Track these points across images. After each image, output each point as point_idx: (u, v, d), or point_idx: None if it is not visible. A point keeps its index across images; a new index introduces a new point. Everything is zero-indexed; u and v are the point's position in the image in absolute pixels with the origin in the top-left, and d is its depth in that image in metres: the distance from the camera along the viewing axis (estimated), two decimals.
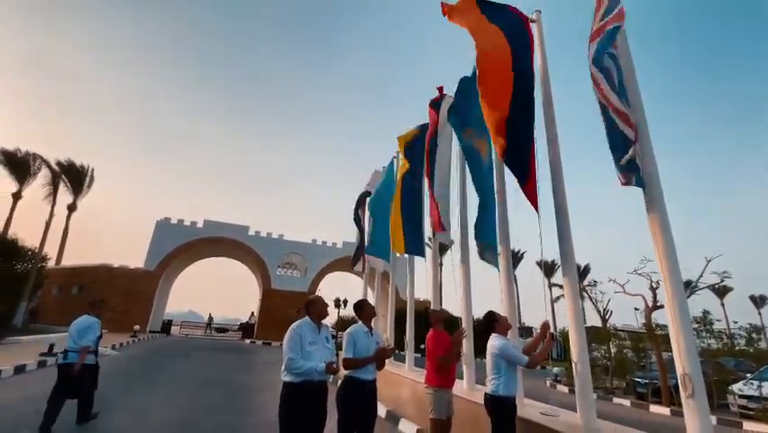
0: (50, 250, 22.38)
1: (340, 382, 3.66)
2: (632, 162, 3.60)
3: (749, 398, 10.47)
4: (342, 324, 25.70)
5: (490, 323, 3.95)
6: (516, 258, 50.78)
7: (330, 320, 26.21)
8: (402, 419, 6.42)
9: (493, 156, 6.01)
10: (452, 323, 6.13)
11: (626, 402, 12.78)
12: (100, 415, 5.64)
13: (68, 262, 32.16)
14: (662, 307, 12.67)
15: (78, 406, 5.35)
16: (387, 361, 4.92)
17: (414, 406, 6.55)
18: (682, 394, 3.11)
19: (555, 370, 17.37)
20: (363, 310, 3.85)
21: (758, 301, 62.46)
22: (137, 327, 22.34)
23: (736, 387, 11.17)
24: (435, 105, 7.80)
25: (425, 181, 7.75)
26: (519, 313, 47.62)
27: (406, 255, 9.81)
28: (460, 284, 6.60)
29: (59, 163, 25.20)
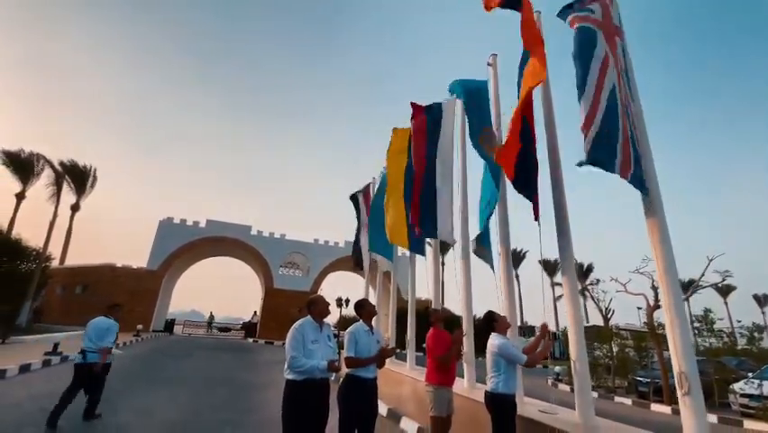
0: (54, 250, 22.47)
1: (341, 380, 3.71)
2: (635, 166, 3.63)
3: (750, 397, 10.48)
4: (344, 323, 25.78)
5: (490, 323, 3.99)
6: (518, 257, 50.79)
7: (332, 319, 26.29)
8: (403, 417, 6.47)
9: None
10: (453, 322, 6.17)
11: (628, 401, 12.80)
12: (105, 413, 5.72)
13: (71, 261, 32.38)
14: None
15: (89, 402, 5.51)
16: (388, 359, 4.96)
17: (415, 404, 6.60)
18: (678, 392, 3.15)
19: (557, 369, 17.39)
20: (364, 309, 3.90)
21: (762, 300, 62.29)
22: (140, 327, 22.48)
23: (737, 386, 11.18)
24: (428, 109, 7.89)
25: (431, 177, 7.76)
26: (522, 312, 47.69)
27: (408, 254, 9.86)
28: (460, 283, 6.65)
29: (62, 164, 25.33)
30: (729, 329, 15.74)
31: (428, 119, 7.92)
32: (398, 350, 9.15)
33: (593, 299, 18.10)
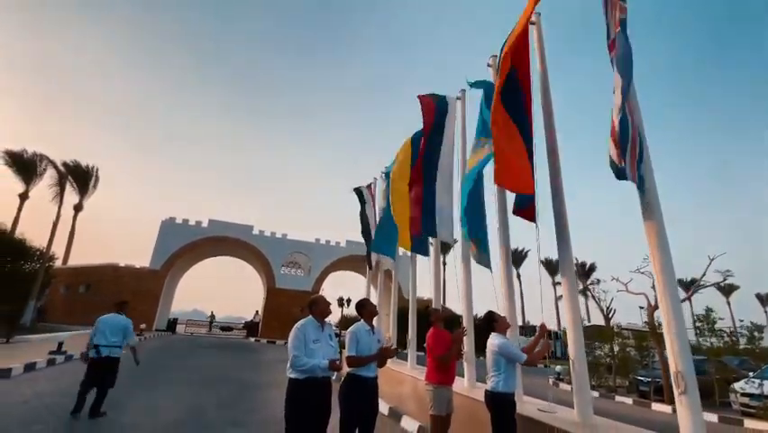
0: (57, 249, 22.58)
1: (342, 379, 3.76)
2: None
3: (751, 396, 10.50)
4: (346, 322, 25.86)
5: (490, 322, 4.03)
6: (520, 256, 50.79)
7: (333, 319, 26.36)
8: (404, 415, 6.53)
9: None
10: (454, 321, 6.23)
11: (629, 400, 12.84)
12: (110, 411, 5.79)
13: (74, 261, 32.55)
14: None
15: (97, 397, 5.64)
16: (389, 359, 5.01)
17: (415, 403, 6.66)
18: (675, 391, 3.19)
19: (558, 368, 17.43)
20: (365, 309, 3.95)
21: (765, 299, 62.11)
22: (143, 326, 22.62)
23: (737, 385, 11.20)
24: (440, 101, 7.86)
25: (432, 176, 7.76)
26: (523, 312, 47.72)
27: (409, 254, 9.91)
28: (461, 283, 6.70)
29: (65, 164, 25.48)
30: (731, 329, 15.73)
31: (436, 112, 7.88)
32: (400, 350, 9.20)
33: (594, 298, 18.12)
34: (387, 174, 11.38)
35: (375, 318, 4.04)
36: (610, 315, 17.33)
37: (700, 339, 14.09)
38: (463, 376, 6.02)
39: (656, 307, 13.28)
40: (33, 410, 5.77)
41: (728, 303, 54.91)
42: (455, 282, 6.78)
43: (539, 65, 5.47)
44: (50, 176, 24.41)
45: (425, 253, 8.60)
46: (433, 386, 4.49)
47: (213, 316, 34.44)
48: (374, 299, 9.66)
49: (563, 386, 15.13)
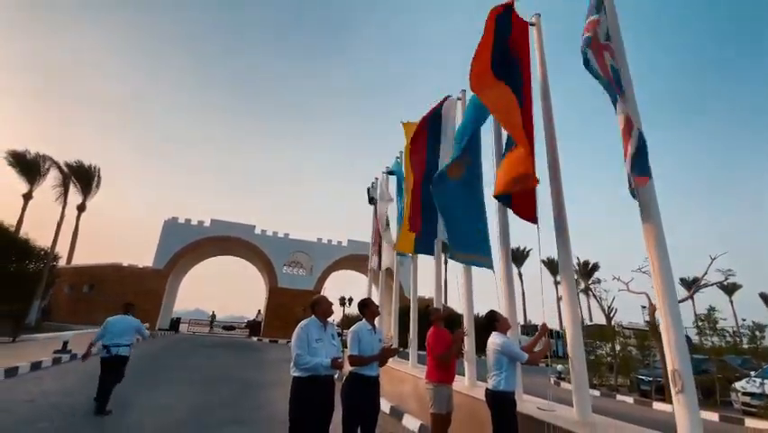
0: (61, 249, 22.72)
1: (344, 377, 3.83)
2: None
3: (752, 395, 10.53)
4: (347, 322, 25.95)
5: (491, 322, 4.07)
6: (521, 256, 50.72)
7: (335, 318, 26.45)
8: (405, 414, 6.59)
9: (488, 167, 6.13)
10: (455, 321, 6.28)
11: (630, 399, 12.87)
12: (116, 410, 5.90)
13: (78, 261, 32.72)
14: None
15: (107, 393, 5.88)
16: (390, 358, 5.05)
17: (417, 402, 6.71)
18: (672, 390, 3.24)
19: (559, 367, 17.45)
20: (368, 309, 4.00)
21: None
22: (147, 325, 22.68)
23: (739, 384, 11.23)
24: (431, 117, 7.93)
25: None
26: (525, 311, 47.73)
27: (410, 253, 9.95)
28: (462, 282, 6.75)
29: (68, 165, 25.62)
30: (734, 328, 15.71)
31: (429, 121, 8.00)
32: (401, 349, 9.25)
33: (596, 297, 18.14)
34: (391, 172, 11.41)
35: (377, 318, 4.10)
36: (612, 314, 17.35)
37: (703, 339, 14.11)
38: (464, 375, 6.07)
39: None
40: (39, 409, 5.86)
41: (731, 302, 54.75)
42: (456, 282, 6.83)
43: (539, 66, 5.49)
44: (53, 176, 24.58)
45: (432, 252, 8.51)
46: (433, 385, 4.54)
47: (214, 315, 34.54)
48: (375, 299, 9.71)
49: (564, 385, 15.16)
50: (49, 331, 16.98)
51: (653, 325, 13.61)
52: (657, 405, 11.56)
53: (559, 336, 29.94)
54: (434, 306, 7.08)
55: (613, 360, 15.96)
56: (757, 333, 12.84)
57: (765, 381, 10.39)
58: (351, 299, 28.30)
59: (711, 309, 13.67)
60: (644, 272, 13.29)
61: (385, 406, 7.05)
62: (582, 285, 40.15)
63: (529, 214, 4.93)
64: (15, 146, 25.58)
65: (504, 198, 5.14)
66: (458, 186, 5.94)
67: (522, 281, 49.52)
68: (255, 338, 28.84)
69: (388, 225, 11.37)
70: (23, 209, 26.05)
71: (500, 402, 3.77)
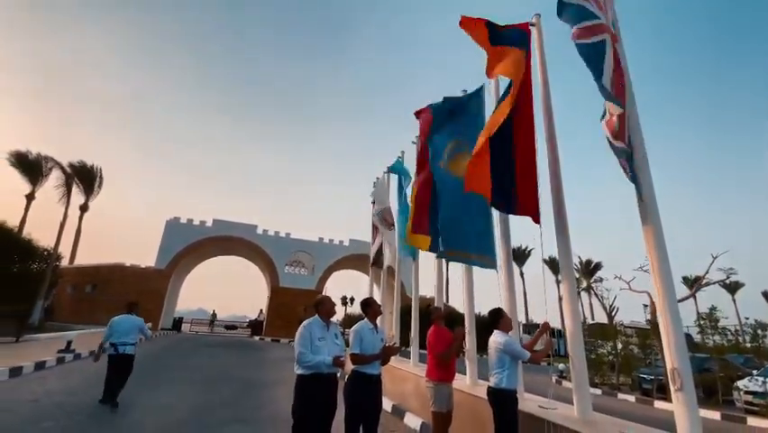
0: (63, 249, 22.79)
1: (347, 376, 3.86)
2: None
3: (754, 394, 10.52)
4: (349, 321, 26.00)
5: (496, 319, 4.10)
6: (523, 255, 50.65)
7: (337, 317, 26.50)
8: (407, 412, 6.62)
9: None
10: (456, 319, 6.29)
11: (631, 398, 12.88)
12: (121, 409, 5.97)
13: (80, 261, 32.86)
14: None
15: (117, 387, 6.19)
16: (392, 357, 5.07)
17: (418, 400, 6.74)
18: (672, 388, 3.26)
19: (561, 366, 17.45)
20: (370, 308, 4.05)
21: None
22: (149, 325, 22.77)
23: (741, 383, 11.22)
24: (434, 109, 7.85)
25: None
26: (526, 310, 47.72)
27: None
28: (463, 282, 6.77)
29: (71, 165, 25.68)
30: (736, 327, 15.70)
31: (433, 116, 7.84)
32: (403, 348, 9.31)
33: (598, 296, 18.14)
34: (392, 169, 11.38)
35: (378, 317, 4.14)
36: (613, 313, 17.34)
37: (705, 337, 14.10)
38: (465, 374, 6.10)
39: None
40: (43, 408, 5.90)
41: (734, 301, 54.61)
42: (457, 281, 6.86)
43: (539, 66, 5.50)
44: (55, 177, 24.65)
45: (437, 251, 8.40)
46: (433, 383, 4.57)
47: (214, 315, 34.60)
48: (377, 298, 9.75)
49: (566, 384, 15.16)
50: (52, 331, 17.07)
51: (654, 323, 13.60)
52: (658, 404, 11.56)
53: (561, 334, 29.90)
54: (436, 305, 7.11)
55: (615, 359, 15.95)
56: (759, 331, 12.82)
57: (767, 379, 10.38)
58: (352, 299, 28.37)
59: (712, 309, 13.67)
60: (645, 271, 13.29)
61: (387, 404, 7.08)
62: (584, 284, 40.13)
63: (532, 212, 4.90)
64: (15, 146, 25.73)
65: (502, 201, 5.06)
66: (460, 183, 5.88)
67: (524, 281, 49.49)
68: (257, 338, 28.92)
69: (392, 224, 11.35)
70: (26, 210, 26.17)
71: (502, 400, 3.80)
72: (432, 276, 8.17)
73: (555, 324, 30.48)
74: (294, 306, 29.73)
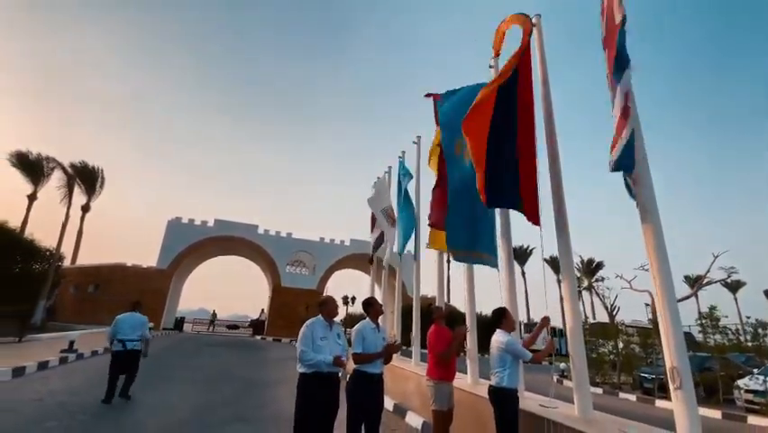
0: (65, 249, 22.89)
1: (349, 375, 3.89)
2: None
3: (755, 392, 10.52)
4: (351, 320, 26.03)
5: (499, 318, 4.11)
6: (525, 254, 50.59)
7: (338, 317, 26.50)
8: (409, 411, 6.65)
9: None
10: (457, 318, 6.32)
11: (632, 397, 12.89)
12: (121, 409, 6.05)
13: (82, 261, 32.94)
14: None
15: (127, 381, 6.63)
16: (394, 356, 5.10)
17: (420, 399, 6.77)
18: (671, 386, 3.28)
19: (562, 365, 17.46)
20: (372, 307, 4.08)
21: None
22: (151, 325, 22.83)
23: (741, 382, 11.23)
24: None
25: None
26: (528, 309, 47.66)
27: (412, 252, 10.00)
28: (464, 281, 6.79)
29: (72, 165, 25.76)
30: (737, 326, 15.70)
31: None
32: (404, 347, 9.34)
33: (599, 295, 18.17)
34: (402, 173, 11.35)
35: (380, 317, 4.17)
36: (614, 312, 17.36)
37: (706, 337, 14.11)
38: (466, 373, 6.12)
39: None
40: (47, 408, 5.93)
41: (735, 300, 54.53)
42: (459, 280, 6.88)
43: (539, 65, 5.52)
44: (57, 177, 24.72)
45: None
46: (433, 382, 4.59)
47: (214, 314, 34.66)
48: (378, 297, 9.79)
49: (567, 383, 15.17)
50: (54, 331, 17.11)
51: (656, 323, 13.61)
52: (659, 403, 11.56)
53: (562, 334, 29.90)
54: (436, 304, 7.14)
55: (616, 358, 15.96)
56: (760, 330, 12.82)
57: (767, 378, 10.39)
58: (353, 298, 28.39)
59: (712, 308, 13.69)
60: (646, 270, 13.30)
61: (388, 403, 7.11)
62: (586, 283, 40.11)
63: (532, 213, 4.90)
64: (16, 147, 25.84)
65: (503, 199, 5.06)
66: (469, 174, 5.67)
67: (525, 280, 49.44)
68: (259, 337, 28.98)
69: (395, 221, 11.34)
70: (28, 210, 26.23)
71: (503, 399, 3.82)
72: (433, 275, 8.20)
73: (556, 323, 30.47)
74: (295, 305, 29.78)
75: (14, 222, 20.25)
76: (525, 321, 35.39)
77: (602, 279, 18.88)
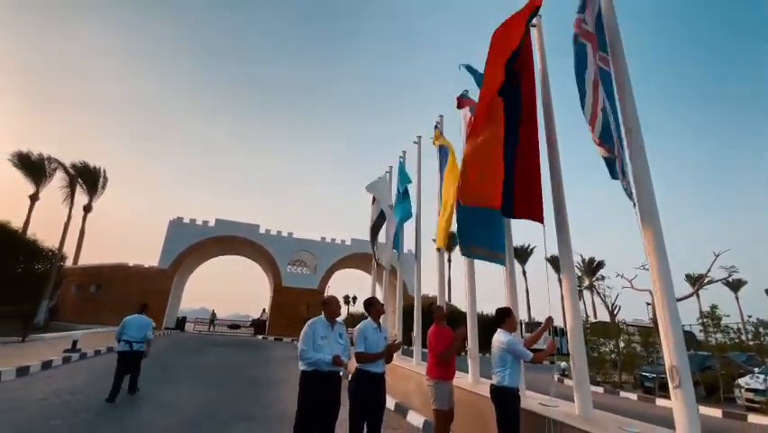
0: (67, 249, 22.97)
1: (351, 374, 3.92)
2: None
3: (755, 391, 10.54)
4: (352, 320, 26.07)
5: (502, 318, 4.14)
6: (526, 253, 50.59)
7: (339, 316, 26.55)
8: (410, 410, 6.69)
9: None
10: (457, 318, 6.35)
11: (633, 396, 12.91)
12: (125, 407, 6.12)
13: (84, 261, 33.04)
14: None
15: (131, 380, 6.98)
16: (395, 355, 5.15)
17: (421, 398, 6.80)
18: (670, 385, 3.31)
19: (563, 364, 17.49)
20: (374, 307, 4.11)
21: None
22: (153, 324, 22.92)
23: (742, 381, 11.24)
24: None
25: None
26: (529, 309, 47.66)
27: (413, 251, 10.03)
28: (465, 280, 6.83)
29: (74, 166, 25.84)
30: (739, 324, 15.70)
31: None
32: (405, 346, 9.36)
33: (600, 295, 18.18)
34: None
35: (381, 316, 4.20)
36: (615, 311, 17.37)
37: (707, 336, 14.11)
38: (467, 372, 6.15)
39: None
40: (51, 407, 5.97)
41: (737, 298, 54.51)
42: (459, 279, 6.91)
43: (539, 64, 5.54)
44: (59, 177, 24.81)
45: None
46: (434, 381, 4.63)
47: (214, 314, 34.71)
48: (379, 297, 9.83)
49: (568, 382, 15.19)
50: (57, 331, 17.19)
51: (657, 322, 13.61)
52: (660, 401, 11.58)
53: (563, 333, 29.91)
54: (437, 304, 7.17)
55: (617, 357, 15.98)
56: (761, 329, 12.82)
57: None
58: (355, 298, 28.46)
59: (713, 307, 13.69)
60: (646, 269, 13.28)
61: (390, 402, 7.14)
62: (587, 282, 40.09)
63: (535, 214, 4.89)
64: (16, 147, 25.96)
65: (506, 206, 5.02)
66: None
67: (526, 279, 49.44)
68: (260, 337, 29.04)
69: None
70: (30, 210, 26.35)
71: (504, 398, 3.85)
72: (434, 275, 8.22)
73: (557, 322, 30.50)
74: (296, 305, 29.83)
75: (17, 222, 20.37)
76: (527, 320, 35.44)
77: (603, 278, 18.84)
